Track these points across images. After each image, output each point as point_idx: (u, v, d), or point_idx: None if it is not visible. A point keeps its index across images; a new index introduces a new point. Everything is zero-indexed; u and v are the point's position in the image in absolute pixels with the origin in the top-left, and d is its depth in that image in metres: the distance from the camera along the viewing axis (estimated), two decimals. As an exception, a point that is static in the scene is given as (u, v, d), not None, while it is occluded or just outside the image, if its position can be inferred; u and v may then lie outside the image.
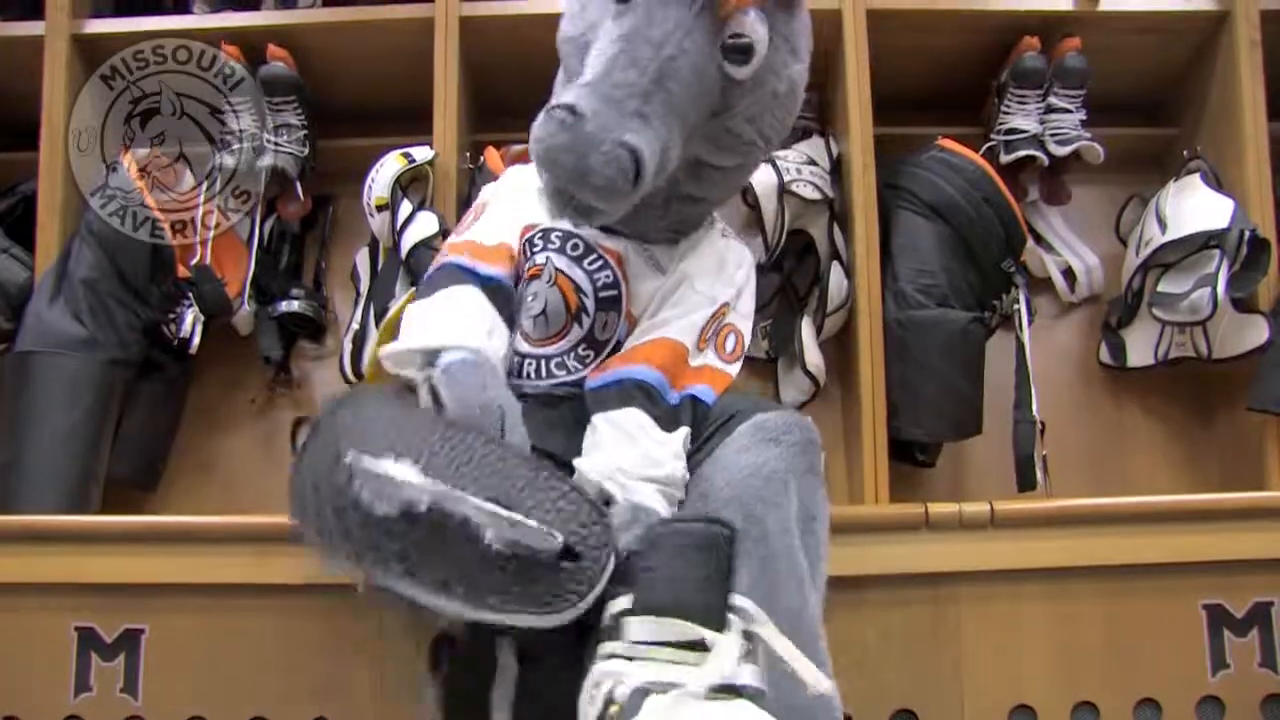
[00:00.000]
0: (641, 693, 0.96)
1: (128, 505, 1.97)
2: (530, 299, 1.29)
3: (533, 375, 1.28)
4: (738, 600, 1.03)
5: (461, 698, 1.17)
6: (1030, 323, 1.98)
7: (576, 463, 1.15)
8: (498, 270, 1.29)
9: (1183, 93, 2.15)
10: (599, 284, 1.29)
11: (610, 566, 1.01)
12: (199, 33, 1.96)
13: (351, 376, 1.89)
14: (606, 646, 1.02)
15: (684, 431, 1.19)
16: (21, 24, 2.03)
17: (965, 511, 1.40)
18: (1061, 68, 1.99)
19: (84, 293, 1.87)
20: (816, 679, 0.98)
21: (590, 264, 1.29)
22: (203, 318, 1.98)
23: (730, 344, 1.30)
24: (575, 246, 1.30)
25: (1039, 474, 1.86)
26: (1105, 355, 2.13)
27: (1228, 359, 1.96)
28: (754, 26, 1.15)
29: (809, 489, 1.15)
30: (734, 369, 1.29)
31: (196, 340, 1.98)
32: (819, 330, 2.00)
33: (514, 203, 1.36)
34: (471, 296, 1.26)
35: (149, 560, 1.41)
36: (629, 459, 1.14)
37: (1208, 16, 2.01)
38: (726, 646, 0.99)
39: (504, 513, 0.97)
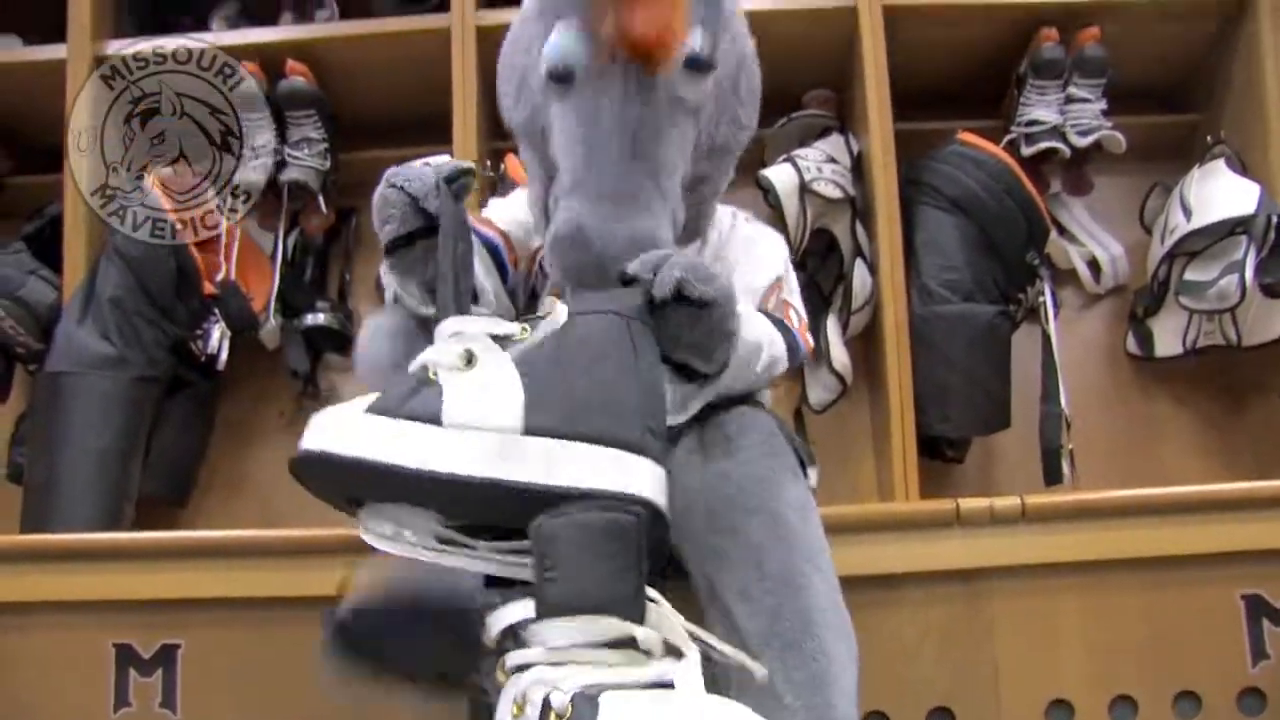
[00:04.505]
0: (588, 699, 0.85)
1: (160, 522, 1.98)
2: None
3: None
4: (651, 593, 0.92)
5: None
6: (1056, 315, 1.98)
7: None
8: (488, 232, 1.23)
9: (1204, 78, 2.13)
10: None
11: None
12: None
13: (379, 387, 1.89)
14: (515, 656, 0.91)
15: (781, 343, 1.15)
16: (44, 48, 2.05)
17: (997, 506, 1.38)
18: (1081, 58, 1.98)
19: (111, 312, 1.89)
20: (751, 664, 0.90)
21: None
22: (229, 333, 1.99)
23: (795, 319, 1.21)
24: None
25: (1065, 467, 1.85)
26: (1133, 345, 2.11)
27: (1258, 346, 1.95)
28: (696, 46, 1.05)
29: (789, 482, 1.07)
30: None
31: (224, 356, 1.99)
32: (844, 328, 2.00)
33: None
34: None
35: (183, 575, 1.41)
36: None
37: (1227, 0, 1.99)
38: (657, 641, 0.89)
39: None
